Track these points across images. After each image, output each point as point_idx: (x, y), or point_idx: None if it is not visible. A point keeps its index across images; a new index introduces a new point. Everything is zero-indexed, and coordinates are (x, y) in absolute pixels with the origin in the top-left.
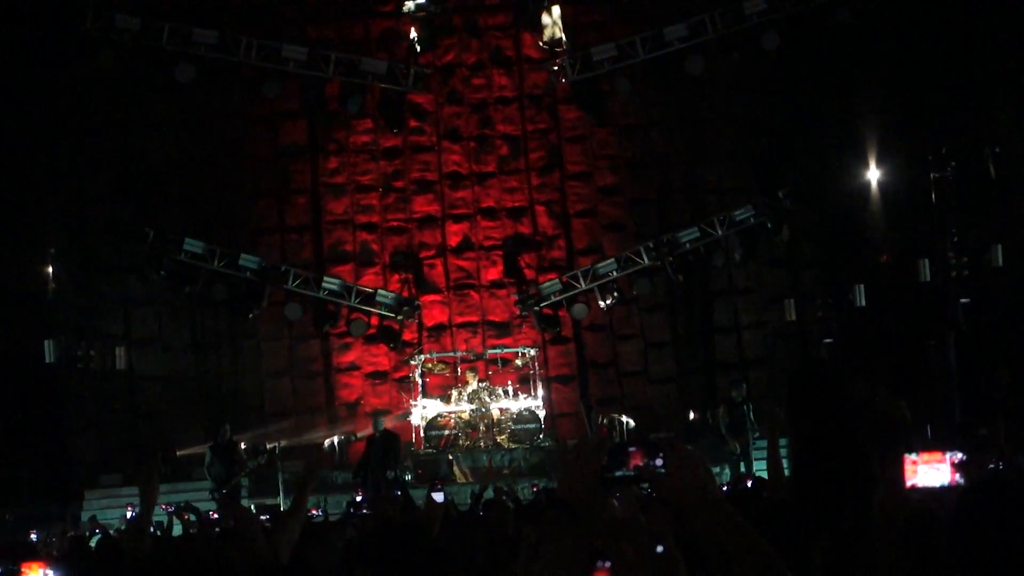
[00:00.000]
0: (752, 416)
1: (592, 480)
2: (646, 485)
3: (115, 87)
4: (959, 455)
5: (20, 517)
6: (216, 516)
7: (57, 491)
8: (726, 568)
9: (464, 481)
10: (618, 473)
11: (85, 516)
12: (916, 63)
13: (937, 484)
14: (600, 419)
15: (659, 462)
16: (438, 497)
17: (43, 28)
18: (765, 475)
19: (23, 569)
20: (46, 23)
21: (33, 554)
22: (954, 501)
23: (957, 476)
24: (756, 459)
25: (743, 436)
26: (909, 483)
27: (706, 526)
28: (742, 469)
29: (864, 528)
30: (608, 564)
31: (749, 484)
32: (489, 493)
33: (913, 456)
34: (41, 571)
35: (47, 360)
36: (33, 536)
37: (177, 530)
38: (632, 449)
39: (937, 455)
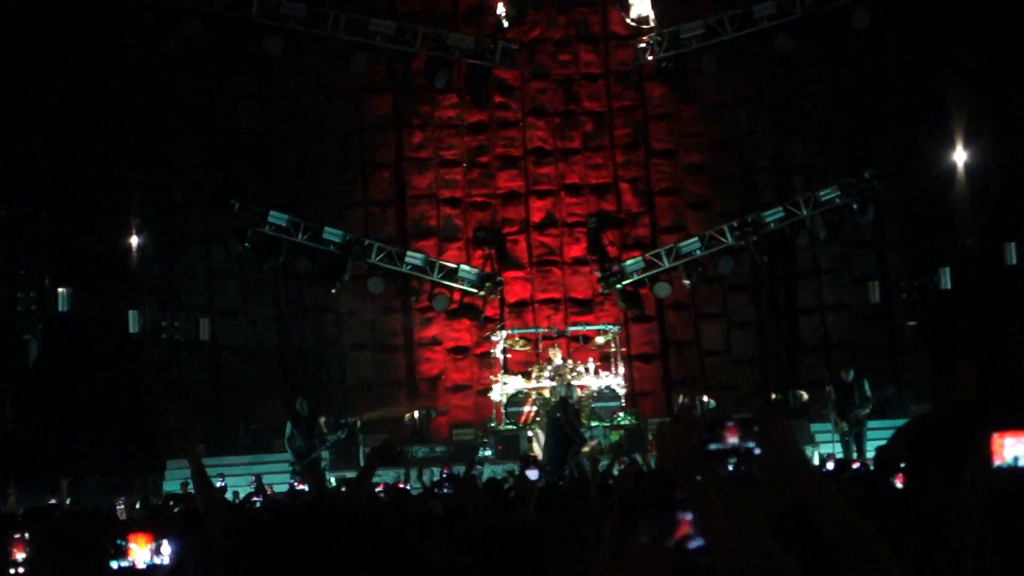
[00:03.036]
0: (869, 392)
1: (691, 454)
2: (734, 460)
3: (203, 58)
4: None
5: (101, 484)
6: (301, 488)
7: (139, 460)
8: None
9: (543, 458)
10: (712, 447)
11: (167, 486)
12: (1007, 43)
13: (1022, 459)
14: (681, 398)
15: (752, 440)
16: (532, 475)
17: (134, 0)
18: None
19: (130, 543)
20: None
21: (139, 525)
22: None
23: None
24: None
25: (851, 416)
26: (996, 462)
27: (803, 501)
28: (852, 451)
29: (949, 507)
30: (690, 516)
31: (830, 465)
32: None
33: (999, 433)
34: (148, 545)
35: (131, 330)
36: (120, 504)
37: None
38: (729, 424)
39: (1023, 433)
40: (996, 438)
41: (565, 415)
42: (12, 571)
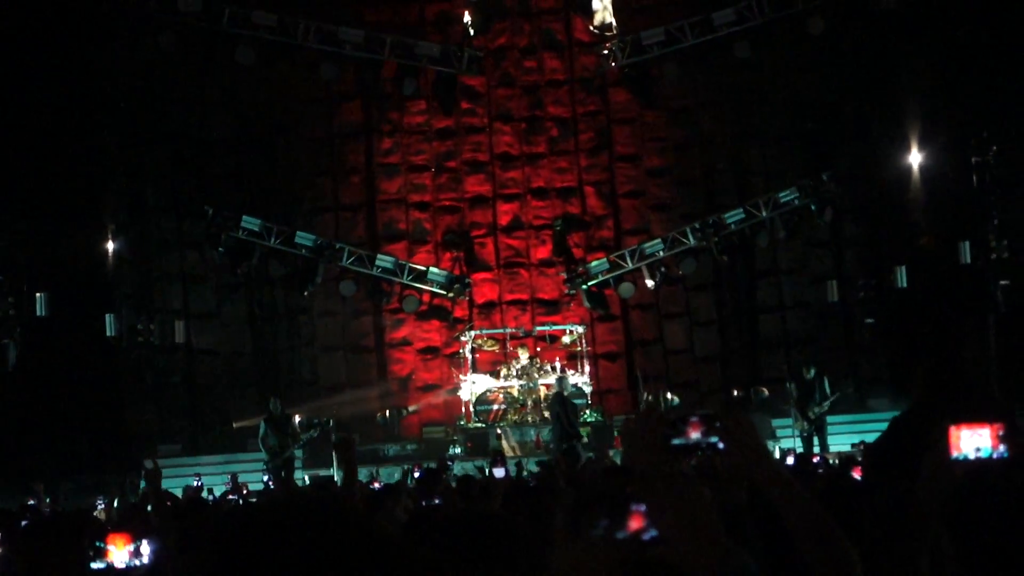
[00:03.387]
0: (828, 389)
1: (655, 449)
2: (698, 455)
3: (176, 68)
4: (1001, 426)
5: (79, 486)
6: (272, 487)
7: (116, 460)
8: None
9: (512, 454)
10: (676, 442)
11: (144, 484)
12: (958, 50)
13: (979, 451)
14: (646, 395)
15: (715, 435)
16: (499, 473)
17: (108, 9)
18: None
19: (108, 544)
20: (112, 6)
21: (117, 525)
22: (997, 472)
23: (1000, 446)
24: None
25: (811, 413)
26: (953, 454)
27: (764, 494)
28: (814, 446)
29: (908, 499)
30: (643, 508)
31: (790, 460)
32: (532, 466)
33: (955, 426)
34: (126, 546)
35: (108, 334)
36: (99, 503)
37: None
38: (693, 420)
39: (979, 425)
40: (953, 431)
41: (563, 409)
42: None
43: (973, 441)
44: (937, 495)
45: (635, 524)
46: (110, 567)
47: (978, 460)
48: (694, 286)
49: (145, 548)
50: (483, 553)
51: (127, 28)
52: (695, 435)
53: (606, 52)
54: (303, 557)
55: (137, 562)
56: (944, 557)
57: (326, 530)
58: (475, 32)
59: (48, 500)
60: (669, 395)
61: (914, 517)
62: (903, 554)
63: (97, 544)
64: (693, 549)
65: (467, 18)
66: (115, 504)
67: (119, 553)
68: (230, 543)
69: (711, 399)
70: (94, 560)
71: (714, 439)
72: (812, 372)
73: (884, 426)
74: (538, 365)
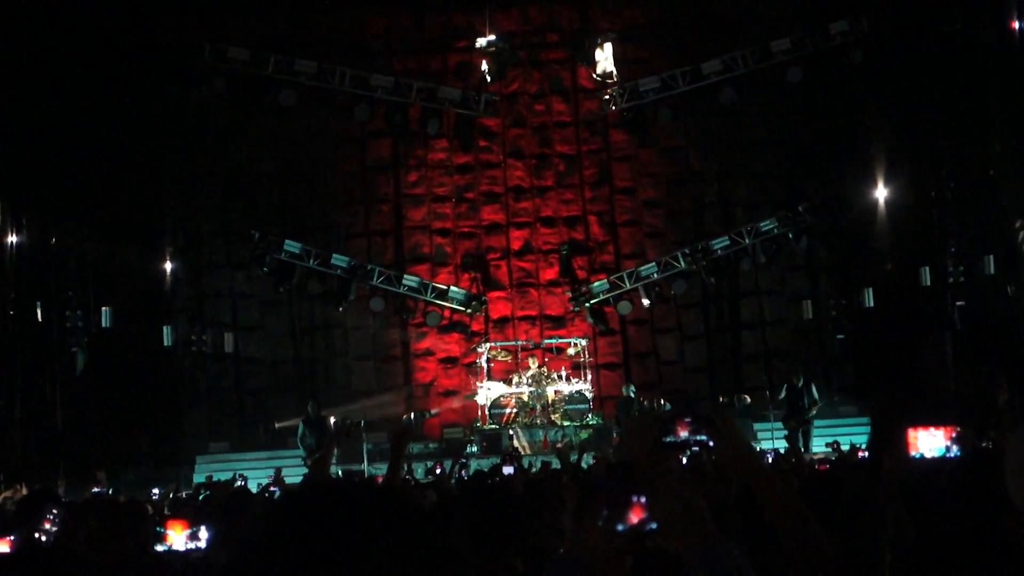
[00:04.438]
0: (816, 394)
1: (651, 446)
2: (688, 453)
3: (227, 109)
4: (954, 429)
5: (138, 478)
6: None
7: (172, 457)
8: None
9: (523, 453)
10: (667, 440)
11: (197, 478)
12: (919, 97)
13: (934, 450)
14: (642, 402)
15: (703, 435)
16: (507, 470)
17: (167, 59)
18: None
19: (168, 530)
20: (170, 54)
21: (174, 513)
22: (949, 470)
23: (953, 447)
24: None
25: (799, 416)
26: (911, 453)
27: (750, 488)
28: (800, 445)
29: (871, 493)
30: (643, 499)
31: (769, 459)
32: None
33: (912, 428)
34: (184, 531)
35: (165, 344)
36: (155, 493)
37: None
38: (686, 420)
39: (935, 428)
40: (911, 432)
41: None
42: (43, 538)
43: (929, 442)
44: (896, 489)
45: (636, 515)
46: (170, 550)
47: (933, 459)
48: (684, 304)
49: (203, 533)
50: (499, 524)
51: (184, 74)
52: (683, 434)
53: (607, 97)
54: (351, 524)
55: (193, 546)
56: (904, 543)
57: (370, 504)
58: (491, 79)
59: (110, 490)
60: (662, 401)
61: (876, 508)
62: (868, 540)
63: (158, 530)
64: (685, 537)
65: (484, 67)
66: (169, 495)
67: (178, 537)
68: (281, 517)
69: (699, 405)
70: (156, 544)
71: (700, 437)
72: (801, 380)
73: (853, 430)
74: (546, 374)
